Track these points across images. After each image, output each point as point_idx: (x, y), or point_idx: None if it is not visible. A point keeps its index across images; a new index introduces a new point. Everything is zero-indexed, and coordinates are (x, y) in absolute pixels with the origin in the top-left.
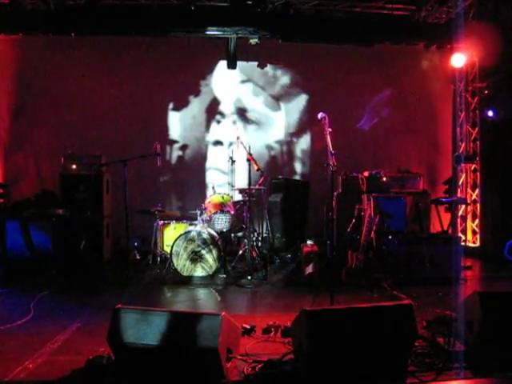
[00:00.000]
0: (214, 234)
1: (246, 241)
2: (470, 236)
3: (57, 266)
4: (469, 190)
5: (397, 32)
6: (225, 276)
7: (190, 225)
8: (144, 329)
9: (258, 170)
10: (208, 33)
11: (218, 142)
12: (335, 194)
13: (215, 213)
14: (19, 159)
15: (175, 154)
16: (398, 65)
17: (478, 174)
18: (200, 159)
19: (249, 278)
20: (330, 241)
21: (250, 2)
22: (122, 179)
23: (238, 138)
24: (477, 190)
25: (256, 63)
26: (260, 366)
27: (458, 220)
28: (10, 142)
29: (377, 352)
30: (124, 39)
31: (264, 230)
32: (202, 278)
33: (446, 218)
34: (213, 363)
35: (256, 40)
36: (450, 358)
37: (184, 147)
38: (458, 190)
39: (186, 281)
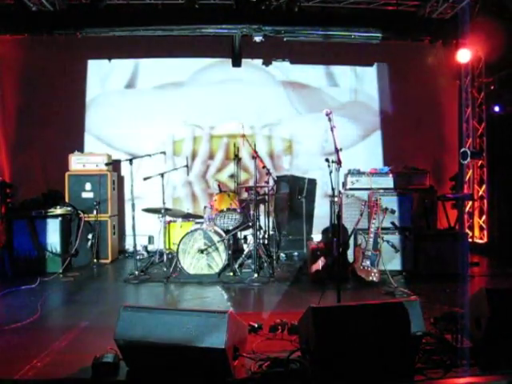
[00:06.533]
0: (221, 231)
1: (252, 238)
2: (477, 232)
3: (64, 264)
4: (475, 186)
5: (402, 28)
6: (231, 274)
7: (197, 223)
8: (151, 327)
9: (263, 167)
10: (212, 31)
11: (223, 140)
12: (341, 190)
13: (221, 211)
14: (26, 159)
15: (181, 151)
16: (403, 61)
17: (485, 169)
18: (206, 157)
19: (255, 275)
20: (337, 238)
21: (254, 0)
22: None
23: (243, 135)
24: (483, 186)
25: (261, 61)
26: (267, 363)
27: (465, 216)
28: (17, 141)
29: (384, 349)
30: (129, 38)
31: (270, 228)
32: (209, 276)
33: (453, 214)
34: (220, 361)
35: (260, 38)
36: (457, 355)
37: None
38: (465, 186)
39: (193, 279)
